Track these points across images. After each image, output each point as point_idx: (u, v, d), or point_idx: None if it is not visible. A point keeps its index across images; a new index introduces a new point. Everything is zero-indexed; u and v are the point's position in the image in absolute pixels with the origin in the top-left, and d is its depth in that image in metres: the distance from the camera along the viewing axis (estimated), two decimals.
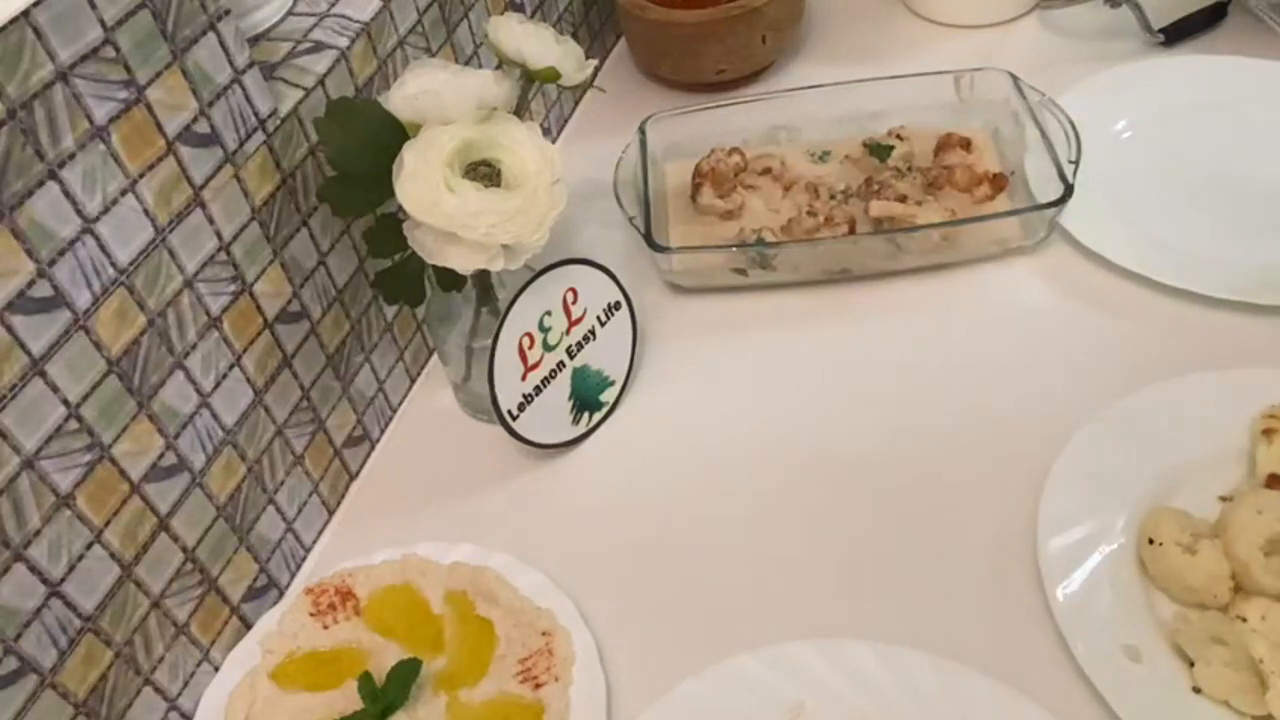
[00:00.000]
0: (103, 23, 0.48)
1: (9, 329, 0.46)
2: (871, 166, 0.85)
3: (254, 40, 0.65)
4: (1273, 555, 0.57)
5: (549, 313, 0.68)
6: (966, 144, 0.85)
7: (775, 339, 0.78)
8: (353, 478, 0.74)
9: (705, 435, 0.73)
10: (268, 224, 0.61)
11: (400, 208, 0.60)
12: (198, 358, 0.57)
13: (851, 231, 0.79)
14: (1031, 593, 0.60)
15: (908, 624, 0.60)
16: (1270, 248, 0.76)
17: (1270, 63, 0.89)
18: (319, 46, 0.65)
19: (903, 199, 0.81)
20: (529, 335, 0.68)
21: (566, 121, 1.01)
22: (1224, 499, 0.63)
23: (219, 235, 0.57)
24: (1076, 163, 0.77)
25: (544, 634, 0.61)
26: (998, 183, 0.82)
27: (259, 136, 0.59)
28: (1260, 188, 0.81)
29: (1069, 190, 0.75)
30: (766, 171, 0.86)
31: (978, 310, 0.77)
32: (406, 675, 0.58)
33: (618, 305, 0.73)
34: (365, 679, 0.58)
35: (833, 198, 0.83)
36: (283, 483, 0.66)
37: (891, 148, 0.86)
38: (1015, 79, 0.84)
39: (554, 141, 0.98)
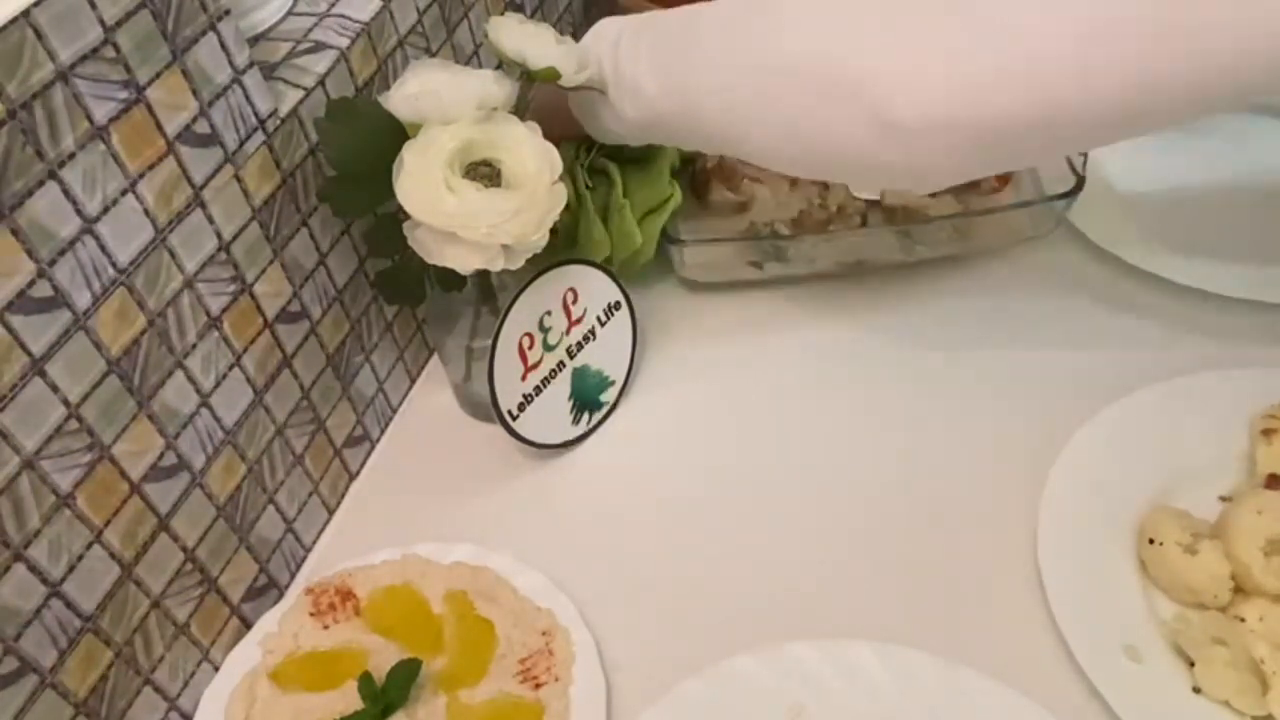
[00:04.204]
0: (103, 23, 0.48)
1: (9, 329, 0.46)
2: None
3: (254, 40, 0.65)
4: (1273, 556, 0.57)
5: (549, 313, 0.69)
6: None
7: (775, 339, 0.78)
8: (353, 478, 0.74)
9: (705, 435, 0.73)
10: (268, 224, 0.61)
11: (400, 208, 0.60)
12: (198, 358, 0.57)
13: (864, 223, 0.79)
14: (1031, 593, 0.60)
15: (908, 624, 0.60)
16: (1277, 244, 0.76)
17: None
18: (319, 46, 0.65)
19: None
20: (529, 335, 0.68)
21: None
22: (1224, 499, 0.63)
23: (219, 235, 0.57)
24: (1085, 155, 0.77)
25: (544, 634, 0.61)
26: (1004, 175, 0.82)
27: (259, 136, 0.59)
28: (1269, 185, 0.81)
29: (1080, 183, 0.75)
30: None
31: (980, 310, 0.77)
32: (406, 675, 0.58)
33: (618, 305, 0.73)
34: (365, 679, 0.58)
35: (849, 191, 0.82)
36: (283, 483, 0.66)
37: None
38: None
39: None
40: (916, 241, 0.78)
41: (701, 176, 0.85)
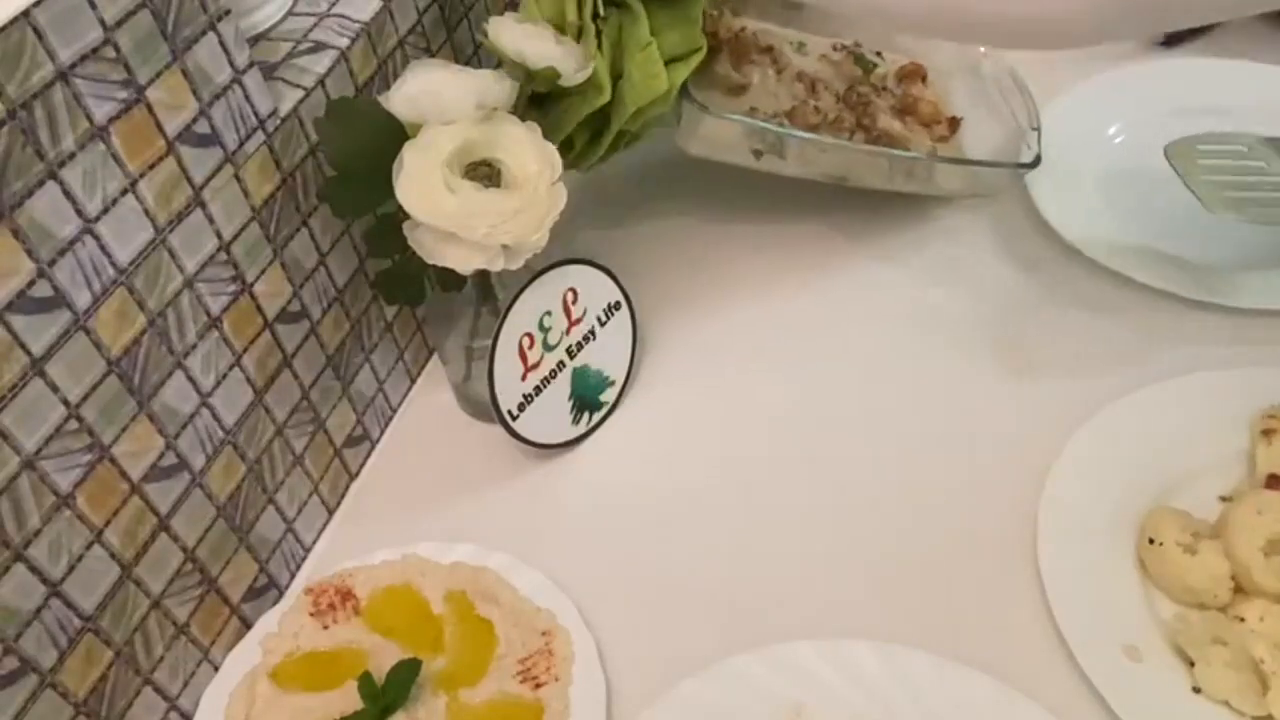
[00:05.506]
0: (103, 23, 0.48)
1: (9, 329, 0.46)
2: (851, 74, 0.86)
3: (254, 40, 0.65)
4: (1273, 556, 0.57)
5: (549, 313, 0.69)
6: (924, 77, 0.87)
7: (774, 340, 0.78)
8: (353, 478, 0.74)
9: (704, 435, 0.73)
10: (268, 224, 0.61)
11: (400, 208, 0.60)
12: (198, 358, 0.57)
13: (850, 139, 0.80)
14: (1031, 593, 0.60)
15: (908, 624, 0.60)
16: (1270, 249, 0.76)
17: (1269, 66, 0.89)
18: (319, 46, 0.65)
19: (897, 117, 0.83)
20: (529, 335, 0.68)
21: None
22: (1224, 499, 0.63)
23: (219, 235, 0.58)
24: (1038, 130, 0.78)
25: (544, 634, 0.61)
26: (953, 124, 0.84)
27: (259, 136, 0.59)
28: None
29: (1037, 159, 0.77)
30: (768, 50, 0.84)
31: (981, 310, 0.77)
32: (406, 675, 0.58)
33: (618, 305, 0.73)
34: (365, 679, 0.58)
35: (837, 100, 0.83)
36: (283, 483, 0.66)
37: (875, 64, 0.87)
38: None
39: None
40: (894, 170, 0.78)
41: (711, 43, 0.78)
